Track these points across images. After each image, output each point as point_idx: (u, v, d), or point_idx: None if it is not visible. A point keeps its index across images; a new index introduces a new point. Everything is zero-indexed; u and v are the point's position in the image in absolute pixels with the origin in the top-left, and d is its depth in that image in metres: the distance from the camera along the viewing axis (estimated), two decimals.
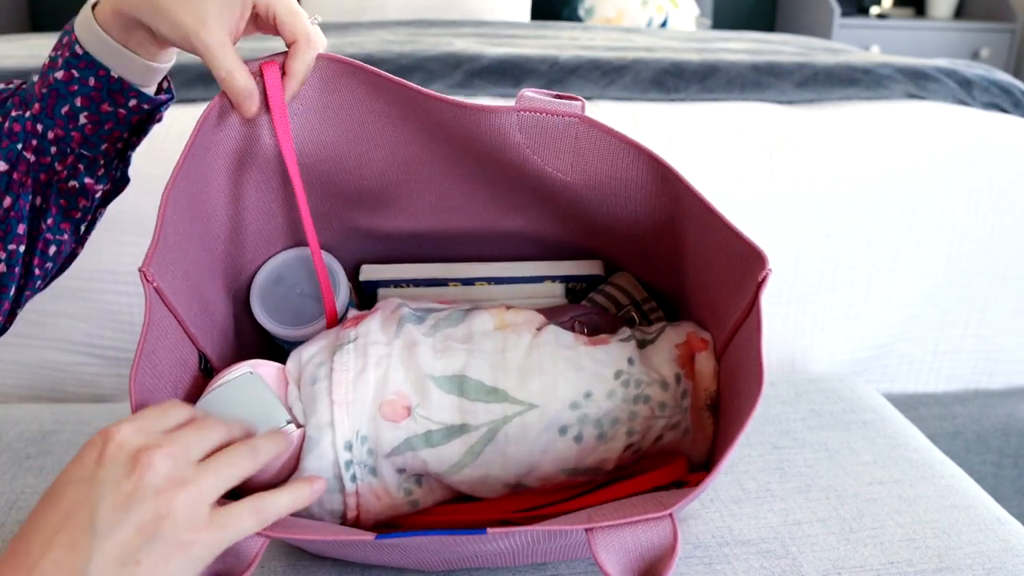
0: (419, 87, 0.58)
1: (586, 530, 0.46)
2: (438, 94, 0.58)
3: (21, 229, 0.59)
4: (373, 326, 0.61)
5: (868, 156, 1.09)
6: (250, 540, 0.46)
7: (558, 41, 1.50)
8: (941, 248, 1.13)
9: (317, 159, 0.64)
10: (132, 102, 0.59)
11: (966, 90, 1.24)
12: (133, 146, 0.63)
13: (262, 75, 0.58)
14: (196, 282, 0.60)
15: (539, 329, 0.62)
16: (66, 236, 0.62)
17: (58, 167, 0.60)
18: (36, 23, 2.79)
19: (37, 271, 0.61)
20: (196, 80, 1.17)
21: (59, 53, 0.58)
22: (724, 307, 0.58)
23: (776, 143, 1.08)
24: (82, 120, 0.59)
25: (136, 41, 0.58)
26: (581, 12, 2.21)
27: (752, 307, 0.51)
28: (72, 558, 0.38)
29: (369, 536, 0.47)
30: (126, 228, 0.99)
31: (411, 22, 1.76)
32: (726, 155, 1.06)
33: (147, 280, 0.52)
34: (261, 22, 0.58)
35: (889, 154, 1.09)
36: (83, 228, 0.64)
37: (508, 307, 0.64)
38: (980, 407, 1.18)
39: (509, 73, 1.19)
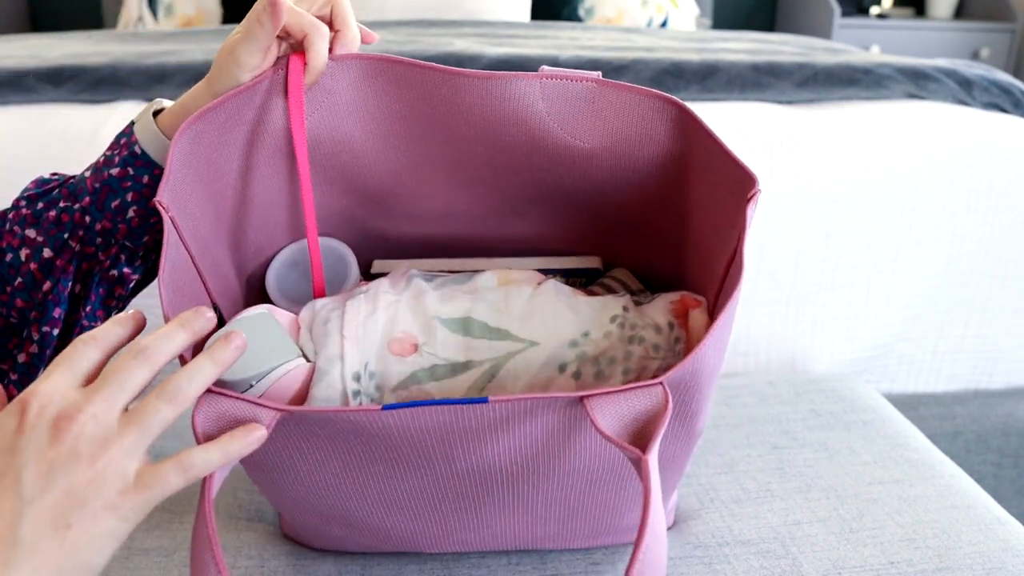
0: (450, 68, 0.61)
1: (580, 399, 0.48)
2: (467, 70, 0.61)
3: (57, 313, 0.62)
4: (383, 283, 0.64)
5: (868, 156, 1.09)
6: (261, 412, 0.47)
7: (558, 41, 1.50)
8: (941, 248, 1.13)
9: (334, 151, 0.66)
10: None
11: (966, 90, 1.24)
12: None
13: (287, 64, 0.60)
14: (206, 240, 0.62)
15: (539, 284, 0.65)
16: (99, 324, 0.64)
17: (101, 256, 0.63)
18: (36, 23, 2.80)
19: None
20: (196, 80, 1.17)
21: (116, 152, 0.61)
22: (719, 248, 0.59)
23: (776, 143, 1.08)
24: (130, 214, 0.61)
25: None
26: (581, 12, 2.21)
27: (741, 226, 0.54)
28: (2, 524, 0.38)
29: (375, 408, 0.48)
30: None
31: (411, 22, 1.76)
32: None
33: (163, 208, 0.54)
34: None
35: (889, 154, 1.09)
36: (115, 314, 0.66)
37: (510, 268, 0.68)
38: (980, 407, 1.18)
39: None
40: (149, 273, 0.68)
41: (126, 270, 0.64)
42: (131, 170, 0.60)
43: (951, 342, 1.18)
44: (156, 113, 0.62)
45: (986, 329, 1.18)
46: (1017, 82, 1.27)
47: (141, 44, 1.53)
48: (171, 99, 1.16)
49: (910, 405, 1.16)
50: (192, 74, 1.17)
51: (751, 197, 0.54)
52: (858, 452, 0.79)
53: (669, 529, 0.69)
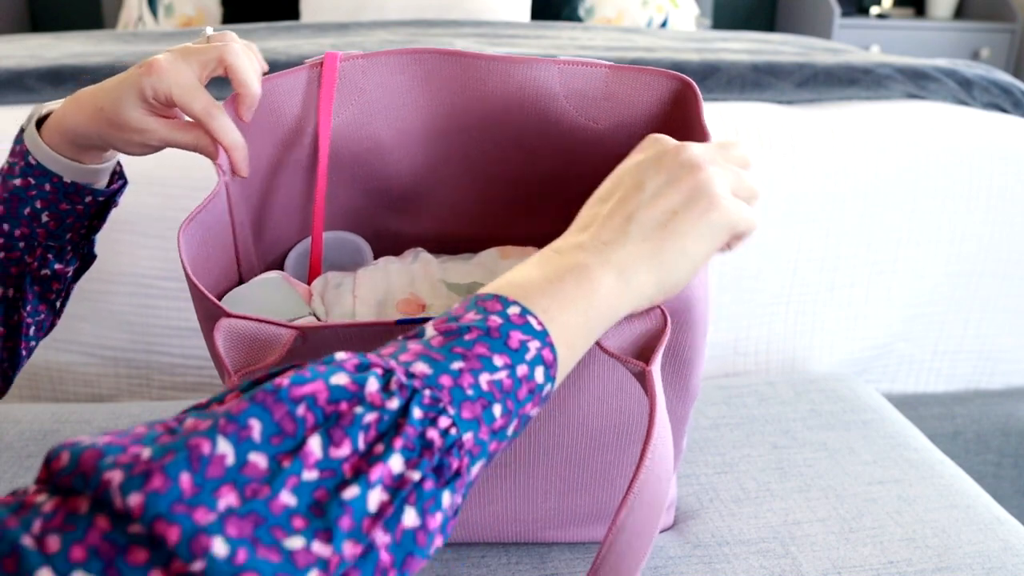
0: (476, 52, 0.65)
1: None
2: (495, 54, 0.65)
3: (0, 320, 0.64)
4: (391, 258, 0.68)
5: (868, 156, 1.09)
6: (280, 330, 0.48)
7: (558, 41, 1.50)
8: (941, 248, 1.13)
9: (361, 150, 0.69)
10: (88, 198, 0.64)
11: (966, 90, 1.24)
12: (96, 229, 0.68)
13: (322, 65, 0.63)
14: (241, 217, 0.64)
15: None
16: (43, 316, 0.68)
17: (28, 259, 0.64)
18: (36, 23, 2.80)
19: (23, 352, 0.67)
20: None
21: (16, 161, 0.63)
22: None
23: (776, 143, 1.08)
24: (44, 218, 0.63)
25: (86, 155, 0.63)
26: (581, 12, 2.21)
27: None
28: (626, 206, 0.45)
29: (390, 321, 0.50)
30: (134, 230, 0.99)
31: (411, 22, 1.76)
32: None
33: (221, 171, 0.57)
34: (159, 108, 0.61)
35: (889, 154, 1.09)
36: (59, 303, 0.69)
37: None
38: (980, 407, 1.18)
39: None
40: (84, 261, 0.69)
41: (57, 266, 0.66)
42: (32, 180, 0.62)
43: (951, 342, 1.18)
44: (42, 120, 0.63)
45: (986, 329, 1.18)
46: (1017, 82, 1.27)
47: (141, 44, 1.53)
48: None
49: (910, 405, 1.16)
50: None
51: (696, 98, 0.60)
52: (858, 452, 0.79)
53: (669, 529, 0.69)
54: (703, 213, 0.44)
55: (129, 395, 1.04)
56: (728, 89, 1.20)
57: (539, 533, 0.65)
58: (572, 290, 0.41)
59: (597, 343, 0.48)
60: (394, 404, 0.34)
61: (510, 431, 0.38)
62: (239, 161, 0.59)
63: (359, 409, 0.33)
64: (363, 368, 0.35)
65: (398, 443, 0.33)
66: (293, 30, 1.66)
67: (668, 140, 0.48)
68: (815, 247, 1.08)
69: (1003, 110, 1.25)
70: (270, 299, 0.59)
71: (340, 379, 0.33)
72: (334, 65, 0.63)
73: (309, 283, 0.69)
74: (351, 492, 0.31)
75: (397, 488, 0.32)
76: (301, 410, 0.32)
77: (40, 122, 0.64)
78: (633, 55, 1.24)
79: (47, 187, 0.62)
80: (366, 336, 0.50)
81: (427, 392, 0.35)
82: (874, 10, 2.93)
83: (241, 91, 0.59)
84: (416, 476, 0.33)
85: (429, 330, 0.39)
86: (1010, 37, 2.78)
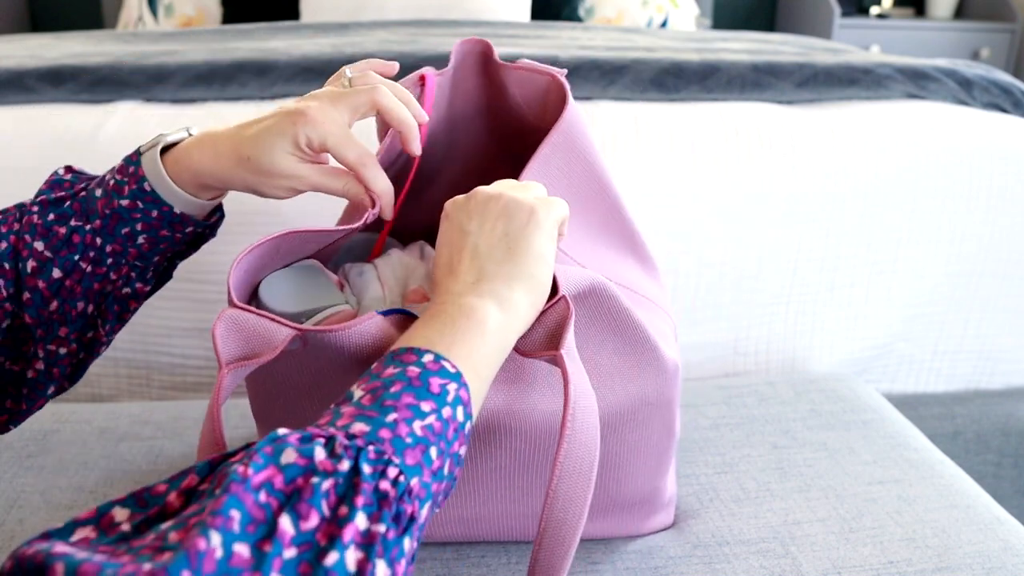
0: (499, 60, 0.71)
1: None
2: (505, 63, 0.70)
3: (63, 332, 0.63)
4: (399, 251, 0.70)
5: (868, 156, 1.09)
6: (279, 328, 0.49)
7: (558, 41, 1.50)
8: (941, 248, 1.13)
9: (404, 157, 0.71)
10: (189, 229, 0.64)
11: (966, 90, 1.24)
12: (184, 256, 0.68)
13: (422, 82, 0.67)
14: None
15: None
16: (115, 335, 0.67)
17: (113, 276, 0.64)
18: (36, 23, 2.80)
19: (84, 370, 0.66)
20: (196, 80, 1.17)
21: (126, 181, 0.61)
22: None
23: (776, 143, 1.08)
24: (140, 240, 0.62)
25: (208, 192, 0.62)
26: (581, 12, 2.21)
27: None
28: (464, 251, 0.52)
29: (370, 315, 0.52)
30: None
31: (411, 22, 1.76)
32: (726, 155, 1.06)
33: (370, 215, 0.60)
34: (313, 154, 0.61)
35: (889, 154, 1.09)
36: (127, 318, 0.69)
37: None
38: (980, 407, 1.17)
39: None
40: (161, 279, 0.69)
41: (139, 285, 0.65)
42: (140, 204, 0.61)
43: (951, 342, 1.18)
44: (166, 148, 0.62)
45: (986, 329, 1.18)
46: (1017, 82, 1.27)
47: (141, 44, 1.53)
48: (170, 100, 1.16)
49: (910, 405, 1.16)
50: (192, 74, 1.17)
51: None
52: (858, 452, 0.79)
53: (669, 528, 0.69)
54: (528, 219, 0.52)
55: (129, 395, 1.04)
56: (728, 89, 1.19)
57: (535, 531, 0.65)
58: (464, 328, 0.47)
59: (515, 348, 0.51)
60: (344, 466, 0.36)
61: (446, 471, 0.42)
62: (387, 207, 0.61)
63: (315, 479, 0.35)
64: (306, 440, 0.37)
65: (359, 501, 0.36)
66: (293, 30, 1.66)
67: (457, 199, 0.55)
68: (815, 247, 1.08)
69: (1003, 110, 1.25)
70: (309, 285, 0.60)
71: (289, 456, 0.36)
72: (432, 85, 0.67)
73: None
74: (331, 559, 0.33)
75: (368, 544, 0.35)
76: (263, 496, 0.34)
77: (163, 151, 0.62)
78: (633, 55, 1.24)
79: (154, 213, 0.61)
80: (362, 338, 0.51)
81: (371, 448, 0.38)
82: (874, 10, 2.93)
83: (402, 129, 0.60)
84: (381, 528, 0.36)
85: (357, 392, 0.42)
86: (1010, 37, 2.78)
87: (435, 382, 0.43)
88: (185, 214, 0.62)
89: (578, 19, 2.21)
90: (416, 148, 0.61)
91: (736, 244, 1.06)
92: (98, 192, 0.62)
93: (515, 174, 0.73)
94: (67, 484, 0.75)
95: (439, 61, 1.20)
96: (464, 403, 0.44)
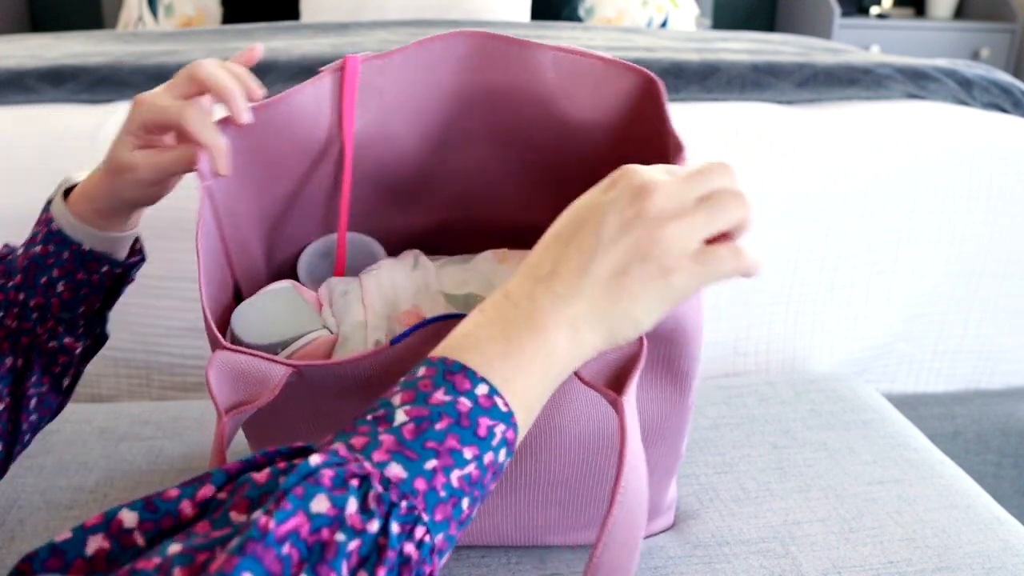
0: (488, 32, 0.66)
1: None
2: (500, 34, 0.66)
3: (6, 390, 0.64)
4: (392, 262, 0.68)
5: (868, 156, 1.09)
6: (273, 367, 0.48)
7: (558, 41, 1.50)
8: (941, 248, 1.13)
9: (381, 151, 0.69)
10: (104, 268, 0.65)
11: (966, 90, 1.24)
12: (109, 306, 0.69)
13: (343, 68, 0.63)
14: (240, 219, 0.64)
15: None
16: (45, 388, 0.67)
17: (39, 331, 0.65)
18: (36, 23, 2.79)
19: (24, 426, 0.66)
20: None
21: (39, 229, 0.64)
22: None
23: (776, 143, 1.08)
24: (60, 288, 0.64)
25: (109, 222, 0.64)
26: (581, 12, 2.21)
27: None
28: (580, 257, 0.44)
29: (384, 347, 0.50)
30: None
31: (411, 22, 1.76)
32: (726, 155, 1.06)
33: (201, 176, 0.57)
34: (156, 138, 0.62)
35: (889, 154, 1.09)
36: (66, 382, 0.69)
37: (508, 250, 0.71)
38: (980, 407, 1.17)
39: None
40: (96, 341, 0.70)
41: (66, 340, 0.66)
42: (52, 247, 0.63)
43: (951, 342, 1.18)
44: (69, 190, 0.65)
45: (986, 329, 1.18)
46: (1017, 82, 1.27)
47: (141, 44, 1.53)
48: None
49: (910, 405, 1.16)
50: None
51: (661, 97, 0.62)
52: (858, 452, 0.79)
53: (669, 529, 0.69)
54: (654, 277, 0.43)
55: (129, 395, 1.04)
56: (728, 89, 1.20)
57: (541, 538, 0.65)
58: (531, 354, 0.42)
59: (575, 372, 0.47)
60: (374, 527, 0.34)
61: (473, 514, 0.39)
62: (218, 159, 0.58)
63: (340, 536, 0.33)
64: (339, 483, 0.35)
65: (381, 572, 0.34)
66: (293, 30, 1.66)
67: (636, 176, 0.45)
68: (815, 247, 1.08)
69: (1003, 110, 1.25)
70: (282, 312, 0.59)
71: (320, 505, 0.34)
72: (355, 69, 0.63)
73: (337, 270, 0.70)
74: None
75: None
76: (286, 548, 0.32)
77: (68, 192, 0.65)
78: (633, 55, 1.24)
79: (65, 255, 0.63)
80: (361, 370, 0.50)
81: (403, 504, 0.36)
82: (874, 10, 2.93)
83: (223, 96, 0.58)
84: None
85: (400, 415, 0.39)
86: (1010, 37, 2.78)
87: (484, 423, 0.39)
88: (96, 251, 0.64)
89: (578, 19, 2.21)
90: (242, 116, 0.59)
91: None
92: (20, 250, 0.65)
93: (521, 166, 0.72)
94: (67, 484, 0.75)
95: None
96: (509, 444, 0.41)
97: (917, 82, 1.23)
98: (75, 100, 1.15)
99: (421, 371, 0.41)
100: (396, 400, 0.39)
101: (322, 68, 0.65)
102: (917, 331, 1.16)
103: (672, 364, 0.55)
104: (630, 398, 0.46)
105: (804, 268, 1.09)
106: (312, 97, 0.64)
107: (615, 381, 0.48)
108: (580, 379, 0.48)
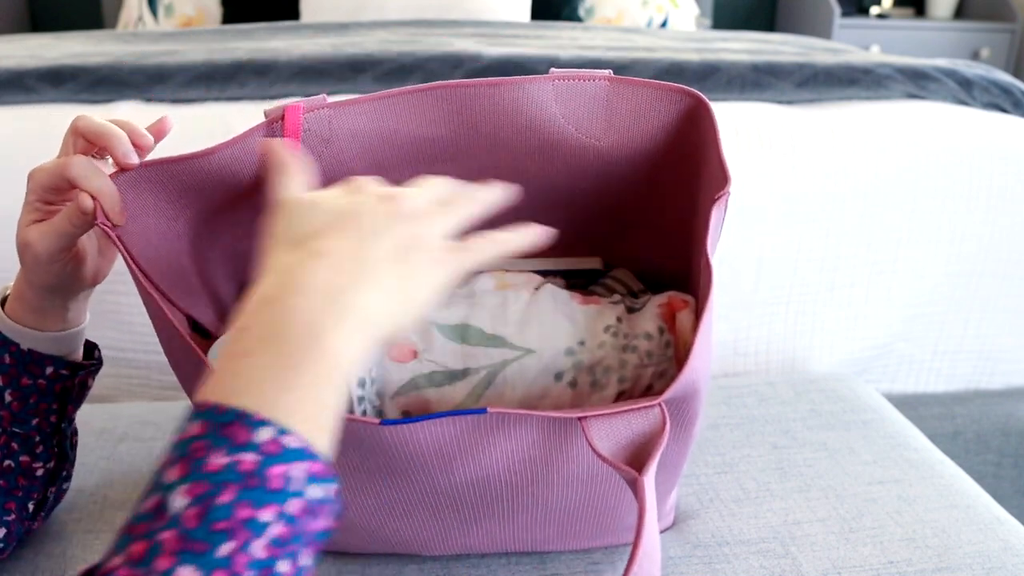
0: (454, 82, 0.59)
1: (579, 419, 0.48)
2: (478, 80, 0.59)
3: None
4: None
5: (868, 156, 1.09)
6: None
7: (558, 41, 1.50)
8: (941, 248, 1.13)
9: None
10: (49, 370, 0.61)
11: (966, 90, 1.24)
12: (68, 419, 0.64)
13: (283, 118, 0.58)
14: (170, 254, 0.60)
15: (537, 289, 0.64)
16: (12, 516, 0.61)
17: None
18: (36, 23, 2.80)
19: None
20: (196, 80, 1.17)
21: None
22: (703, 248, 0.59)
23: (776, 143, 1.08)
24: (7, 398, 0.60)
25: (45, 320, 0.60)
26: (581, 12, 2.21)
27: (704, 228, 0.54)
28: (351, 246, 0.42)
29: (374, 421, 0.48)
30: None
31: (411, 22, 1.76)
32: (726, 155, 1.06)
33: (106, 228, 0.54)
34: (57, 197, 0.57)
35: (889, 154, 1.09)
36: (32, 506, 0.63)
37: (506, 271, 0.67)
38: (980, 407, 1.17)
39: (509, 73, 1.19)
40: (59, 462, 0.65)
41: (23, 458, 0.62)
42: None
43: (951, 342, 1.18)
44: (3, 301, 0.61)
45: (986, 329, 1.18)
46: (1017, 82, 1.27)
47: (141, 44, 1.53)
48: (170, 100, 1.17)
49: (910, 405, 1.16)
50: (192, 74, 1.17)
51: (718, 198, 0.53)
52: (858, 452, 0.79)
53: (669, 529, 0.69)
54: (424, 265, 0.43)
55: (129, 395, 1.04)
56: (728, 89, 1.20)
57: (541, 547, 0.65)
58: (315, 370, 0.37)
59: (592, 449, 0.45)
60: None
61: (302, 561, 0.35)
62: (107, 205, 0.54)
63: None
64: None
65: None
66: (293, 30, 1.66)
67: (368, 184, 0.46)
68: (815, 247, 1.08)
69: (1003, 110, 1.25)
70: None
71: None
72: (296, 118, 0.58)
73: None
74: None
75: None
76: None
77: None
78: (633, 55, 1.24)
79: (6, 359, 0.60)
80: (348, 431, 0.49)
81: None
82: (874, 10, 2.93)
83: (99, 197, 0.54)
84: None
85: (177, 499, 0.33)
86: (1010, 37, 2.78)
87: (276, 473, 0.34)
88: (36, 351, 0.60)
89: (578, 19, 2.21)
90: (129, 158, 0.55)
91: (736, 244, 1.06)
92: None
93: (547, 204, 0.68)
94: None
95: (439, 61, 1.20)
96: (318, 476, 0.35)
97: (917, 82, 1.23)
98: (75, 100, 1.15)
99: (194, 428, 0.35)
100: (171, 477, 0.34)
101: (267, 111, 0.60)
102: (917, 331, 1.16)
103: (683, 415, 0.54)
104: (650, 478, 0.43)
105: (804, 268, 1.09)
106: (245, 154, 0.59)
107: (635, 459, 0.45)
108: (599, 456, 0.46)
